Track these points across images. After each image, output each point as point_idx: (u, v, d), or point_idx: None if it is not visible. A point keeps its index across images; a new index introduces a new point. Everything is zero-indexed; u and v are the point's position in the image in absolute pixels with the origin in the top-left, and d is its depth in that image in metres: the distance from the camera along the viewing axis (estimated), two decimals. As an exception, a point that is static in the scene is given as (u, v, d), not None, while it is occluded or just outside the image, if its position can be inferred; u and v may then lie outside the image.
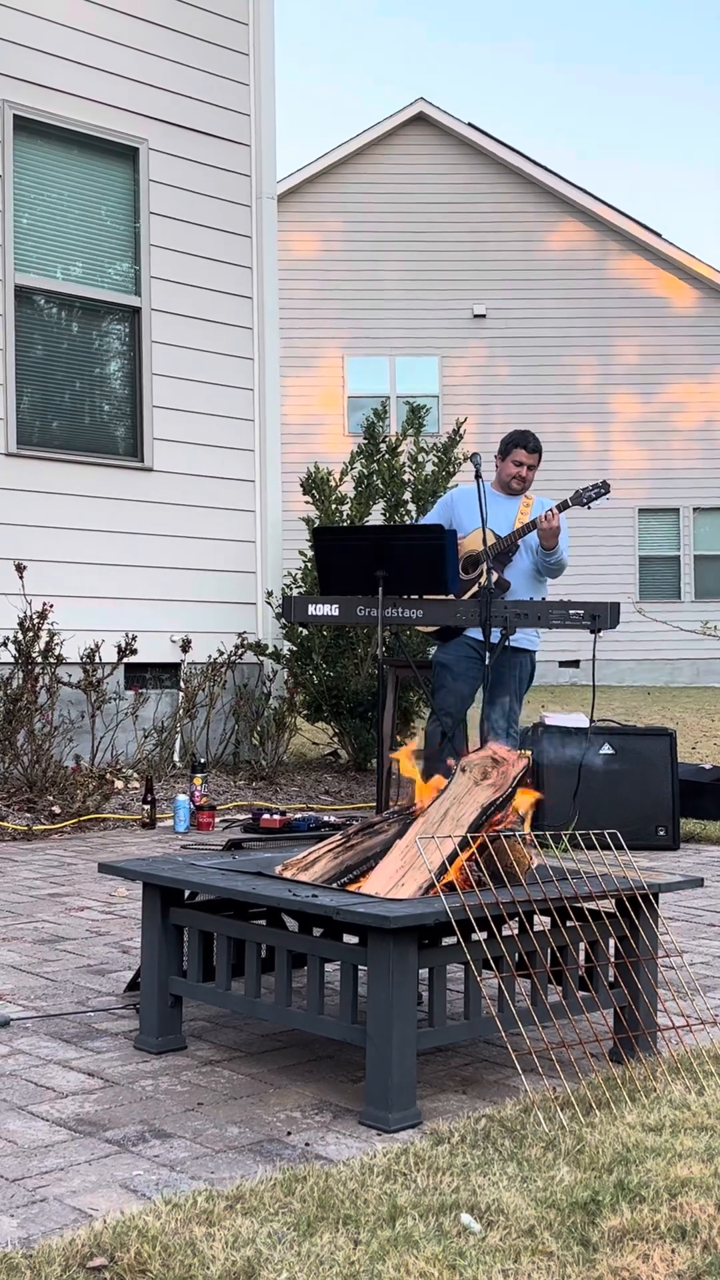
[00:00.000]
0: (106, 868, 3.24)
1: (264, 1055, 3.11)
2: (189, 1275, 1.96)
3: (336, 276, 20.45)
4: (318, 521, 8.47)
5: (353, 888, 2.98)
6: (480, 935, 2.82)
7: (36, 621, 7.06)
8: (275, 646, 8.51)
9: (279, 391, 8.96)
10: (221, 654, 8.25)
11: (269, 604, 8.62)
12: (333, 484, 8.62)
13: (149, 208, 8.28)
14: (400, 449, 8.77)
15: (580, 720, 6.61)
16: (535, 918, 3.01)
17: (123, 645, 7.60)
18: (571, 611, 5.27)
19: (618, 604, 5.30)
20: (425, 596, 5.56)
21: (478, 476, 5.40)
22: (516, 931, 2.99)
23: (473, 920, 2.79)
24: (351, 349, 20.57)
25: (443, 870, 2.90)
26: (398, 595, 5.50)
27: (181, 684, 8.16)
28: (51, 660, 7.12)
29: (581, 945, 3.09)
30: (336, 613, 5.59)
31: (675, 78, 79.46)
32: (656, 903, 3.15)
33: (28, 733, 6.99)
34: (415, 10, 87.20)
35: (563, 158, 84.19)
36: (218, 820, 6.78)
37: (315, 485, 8.60)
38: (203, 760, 7.18)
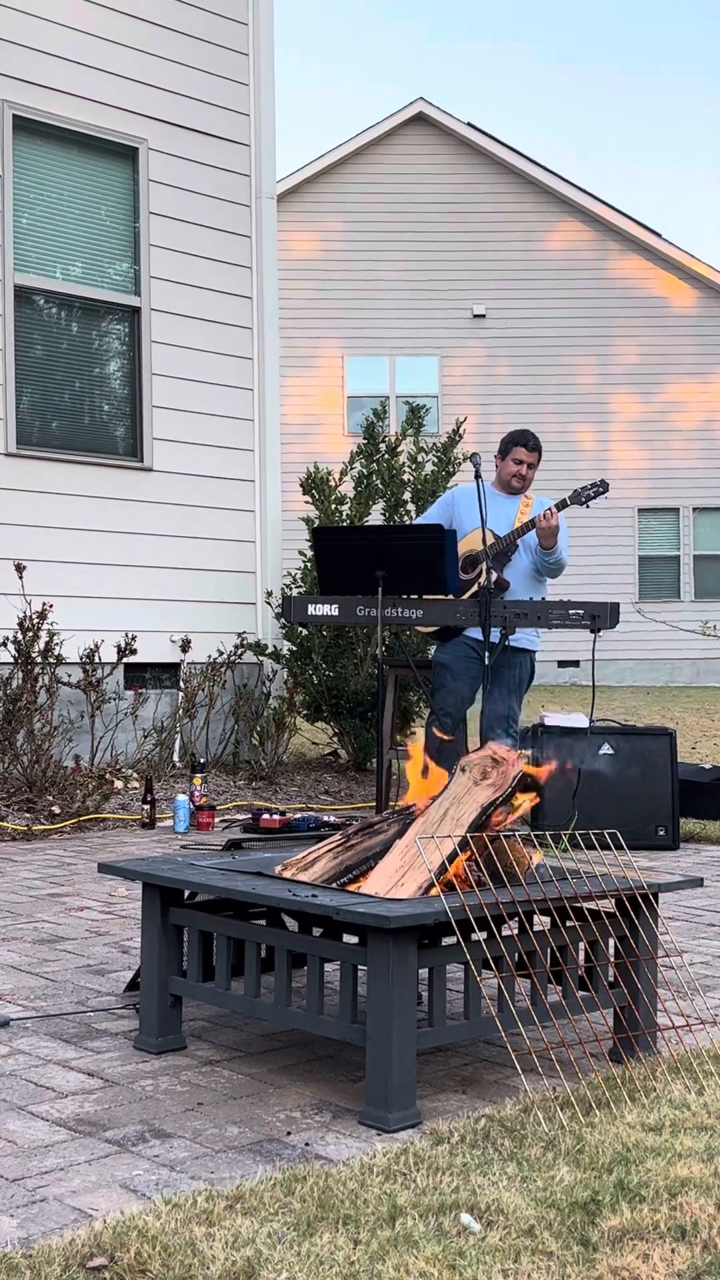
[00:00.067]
0: (106, 868, 3.24)
1: (264, 1055, 3.11)
2: (189, 1275, 1.96)
3: (336, 276, 20.45)
4: (317, 521, 8.47)
5: (352, 888, 2.98)
6: (480, 935, 2.82)
7: (36, 621, 7.06)
8: (275, 646, 8.51)
9: (279, 391, 8.97)
10: (221, 654, 8.25)
11: (269, 604, 8.62)
12: (332, 484, 8.62)
13: (148, 208, 8.28)
14: (400, 449, 8.77)
15: (580, 720, 6.61)
16: (535, 918, 3.01)
17: (122, 645, 7.60)
18: (571, 611, 5.27)
19: (617, 604, 5.30)
20: (425, 596, 5.56)
21: (477, 476, 5.40)
22: (516, 931, 2.99)
23: (472, 920, 2.79)
24: (351, 349, 20.57)
25: (442, 870, 2.90)
26: (397, 595, 5.50)
27: (181, 684, 8.16)
28: (51, 660, 7.12)
29: (581, 945, 3.09)
30: (336, 613, 5.59)
31: (675, 78, 79.48)
32: (656, 902, 3.15)
33: (27, 733, 6.99)
34: (415, 10, 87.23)
35: (563, 158, 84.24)
36: (217, 820, 6.78)
37: (315, 485, 8.60)
38: (202, 760, 7.18)
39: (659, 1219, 2.13)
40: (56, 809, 6.72)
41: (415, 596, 5.55)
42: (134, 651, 7.63)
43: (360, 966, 2.73)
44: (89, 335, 8.14)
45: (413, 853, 2.94)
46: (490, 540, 5.85)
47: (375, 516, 8.83)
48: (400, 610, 5.51)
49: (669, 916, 4.71)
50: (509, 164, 20.68)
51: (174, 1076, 2.95)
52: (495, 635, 5.40)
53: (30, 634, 7.04)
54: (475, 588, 5.76)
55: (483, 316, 20.63)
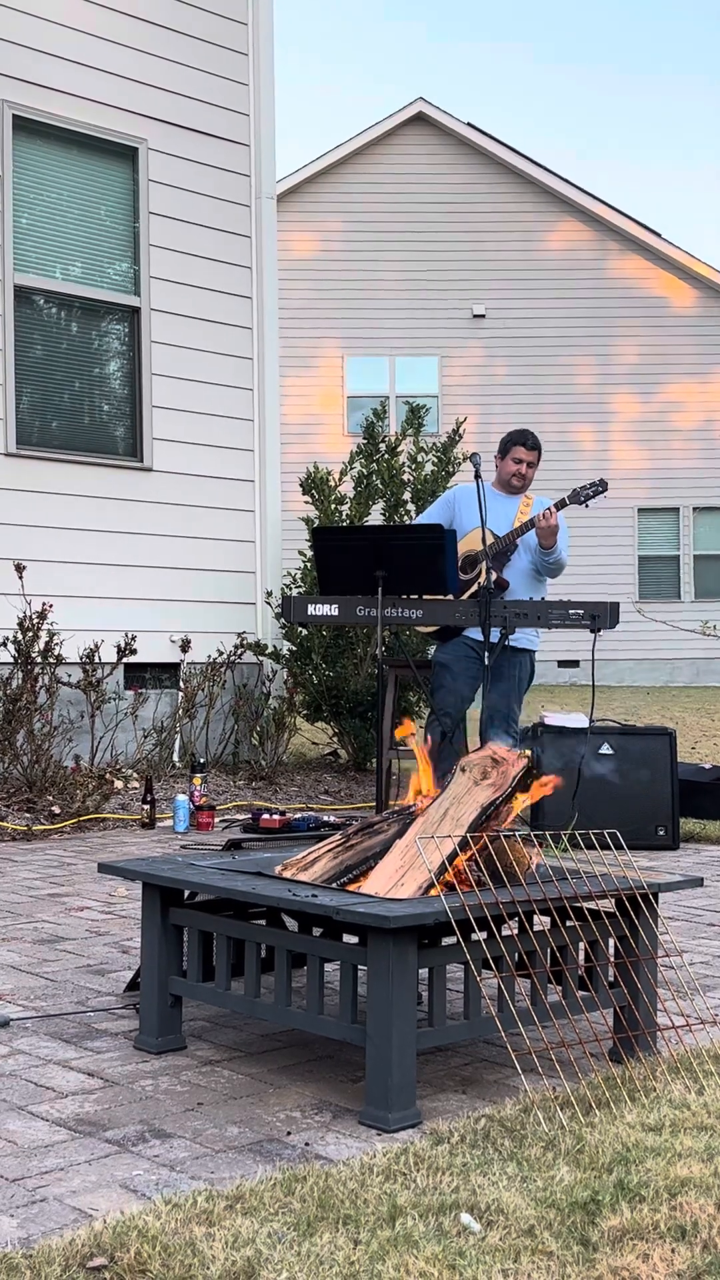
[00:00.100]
0: (106, 868, 3.24)
1: (264, 1055, 3.11)
2: (189, 1275, 1.96)
3: (336, 276, 20.45)
4: (317, 521, 8.47)
5: (352, 888, 2.98)
6: (480, 935, 2.82)
7: (36, 621, 7.06)
8: (275, 646, 8.51)
9: (278, 391, 8.97)
10: (221, 654, 8.25)
11: (268, 604, 8.62)
12: (332, 484, 8.62)
13: (148, 208, 8.28)
14: (400, 449, 8.77)
15: (580, 720, 6.61)
16: (535, 917, 3.01)
17: (122, 645, 7.60)
18: (571, 611, 5.27)
19: (617, 604, 5.30)
20: (425, 596, 5.56)
21: (477, 476, 5.40)
22: (516, 931, 2.99)
23: (472, 920, 2.79)
24: (351, 349, 20.57)
25: (442, 870, 2.90)
26: (397, 595, 5.50)
27: (181, 684, 8.16)
28: (51, 660, 7.12)
29: (581, 945, 3.09)
30: (336, 613, 5.59)
31: (675, 78, 79.47)
32: (656, 902, 3.15)
33: (27, 733, 6.99)
34: (415, 10, 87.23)
35: (562, 158, 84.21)
36: (217, 820, 6.78)
37: (315, 485, 8.60)
38: (202, 760, 7.18)
39: (659, 1219, 2.13)
40: (56, 809, 6.73)
41: (415, 596, 5.55)
42: (134, 651, 7.63)
43: (360, 966, 2.73)
44: (89, 335, 8.14)
45: (413, 853, 2.94)
46: (490, 540, 5.85)
47: (375, 516, 8.83)
48: (400, 610, 5.51)
49: (669, 916, 4.71)
50: (509, 164, 20.68)
51: (174, 1076, 2.95)
52: (495, 635, 5.40)
53: (30, 634, 7.04)
54: (475, 588, 5.76)
55: (482, 316, 20.63)
